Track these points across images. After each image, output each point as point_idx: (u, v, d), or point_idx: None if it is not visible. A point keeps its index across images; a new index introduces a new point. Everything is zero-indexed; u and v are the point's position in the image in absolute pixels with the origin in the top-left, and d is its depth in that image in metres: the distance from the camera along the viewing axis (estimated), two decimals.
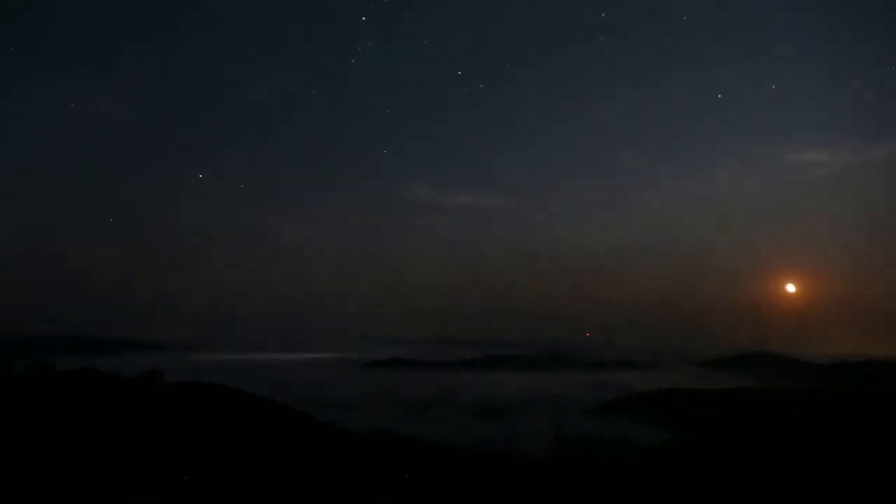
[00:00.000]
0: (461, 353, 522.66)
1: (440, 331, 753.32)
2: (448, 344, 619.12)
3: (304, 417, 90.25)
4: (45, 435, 49.11)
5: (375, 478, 56.92)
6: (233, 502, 40.96)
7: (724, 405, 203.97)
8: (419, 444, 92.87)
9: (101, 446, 48.75)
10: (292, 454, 61.11)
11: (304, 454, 63.14)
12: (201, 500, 39.90)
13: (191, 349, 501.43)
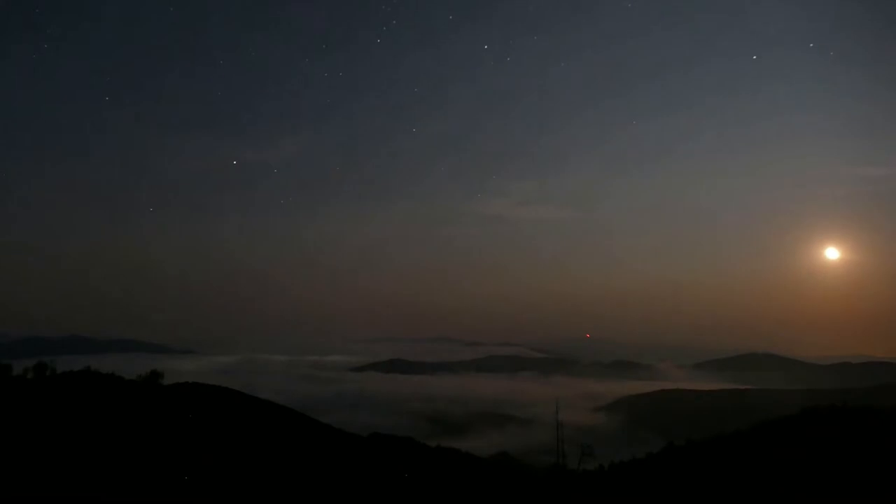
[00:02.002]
0: (463, 353, 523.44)
1: (443, 332, 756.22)
2: (449, 344, 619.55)
3: (304, 418, 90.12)
4: (45, 435, 49.01)
5: (375, 478, 56.83)
6: (233, 502, 40.90)
7: (724, 405, 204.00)
8: (419, 445, 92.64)
9: (101, 446, 48.65)
10: (292, 455, 61.01)
11: (303, 455, 63.04)
12: (201, 500, 39.83)
13: (191, 350, 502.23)
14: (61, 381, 74.71)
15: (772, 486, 39.20)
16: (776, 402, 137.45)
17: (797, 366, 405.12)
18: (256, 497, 43.27)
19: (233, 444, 58.39)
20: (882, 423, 49.50)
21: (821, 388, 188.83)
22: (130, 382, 78.91)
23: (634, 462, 58.38)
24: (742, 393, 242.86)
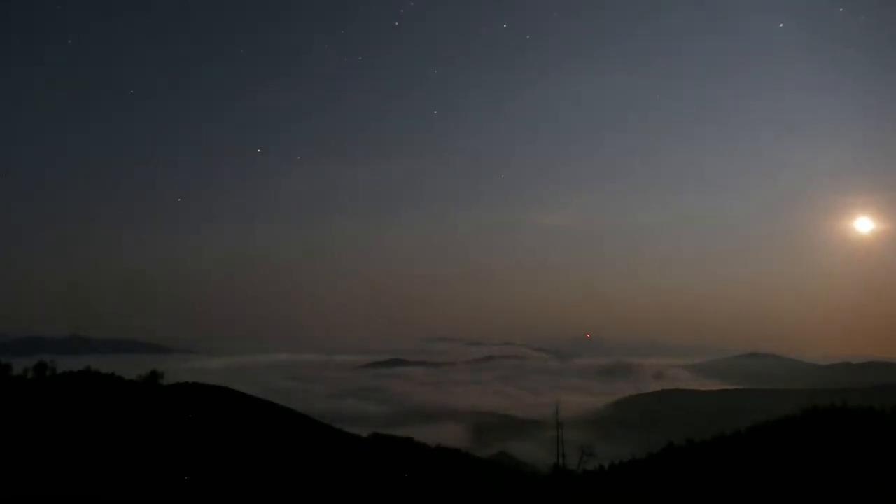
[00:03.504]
0: (464, 353, 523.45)
1: (443, 331, 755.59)
2: (450, 344, 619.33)
3: (304, 418, 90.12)
4: (45, 435, 49.00)
5: (375, 478, 56.83)
6: (233, 502, 40.90)
7: (724, 405, 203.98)
8: (419, 445, 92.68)
9: (101, 446, 48.65)
10: (292, 455, 61.02)
11: (303, 454, 63.05)
12: (201, 500, 39.85)
13: (191, 350, 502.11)
14: (61, 381, 74.67)
15: (772, 486, 39.20)
16: (776, 403, 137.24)
17: (797, 366, 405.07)
18: (256, 497, 43.29)
19: (233, 444, 58.38)
20: (882, 424, 49.52)
21: (821, 388, 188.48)
22: (130, 382, 78.91)
23: (634, 462, 58.29)
24: (742, 393, 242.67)
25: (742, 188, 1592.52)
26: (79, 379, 75.68)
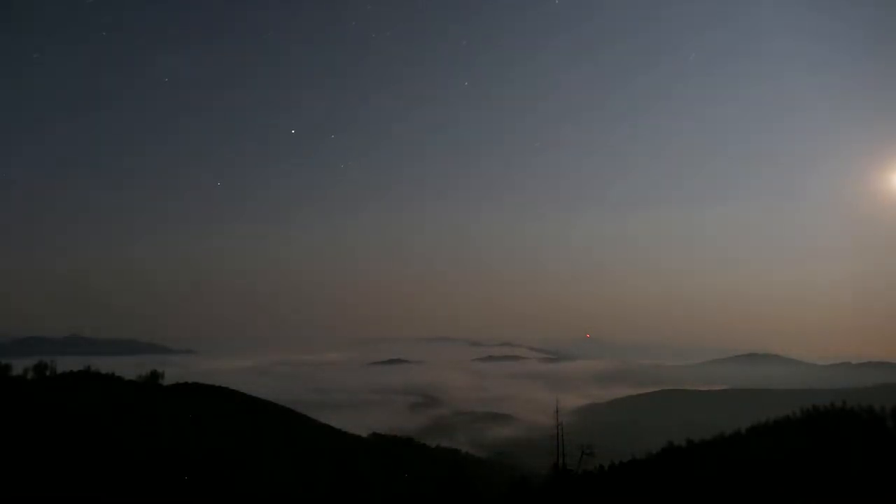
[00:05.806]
0: (464, 353, 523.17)
1: (444, 331, 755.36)
2: (451, 344, 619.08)
3: (304, 418, 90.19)
4: (45, 435, 48.99)
5: (375, 477, 56.81)
6: (233, 502, 40.87)
7: (724, 405, 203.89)
8: (419, 445, 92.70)
9: (102, 446, 48.64)
10: (292, 454, 61.03)
11: (304, 454, 63.05)
12: (201, 500, 39.81)
13: (191, 350, 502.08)
14: (61, 381, 74.76)
15: (771, 486, 39.18)
16: (776, 403, 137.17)
17: (797, 366, 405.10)
18: (256, 497, 43.28)
19: (233, 444, 58.39)
20: (882, 424, 49.47)
21: (821, 388, 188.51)
22: (130, 382, 79.01)
23: (634, 462, 58.29)
24: (742, 393, 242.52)
25: (742, 191, 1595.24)
26: (79, 379, 75.80)
